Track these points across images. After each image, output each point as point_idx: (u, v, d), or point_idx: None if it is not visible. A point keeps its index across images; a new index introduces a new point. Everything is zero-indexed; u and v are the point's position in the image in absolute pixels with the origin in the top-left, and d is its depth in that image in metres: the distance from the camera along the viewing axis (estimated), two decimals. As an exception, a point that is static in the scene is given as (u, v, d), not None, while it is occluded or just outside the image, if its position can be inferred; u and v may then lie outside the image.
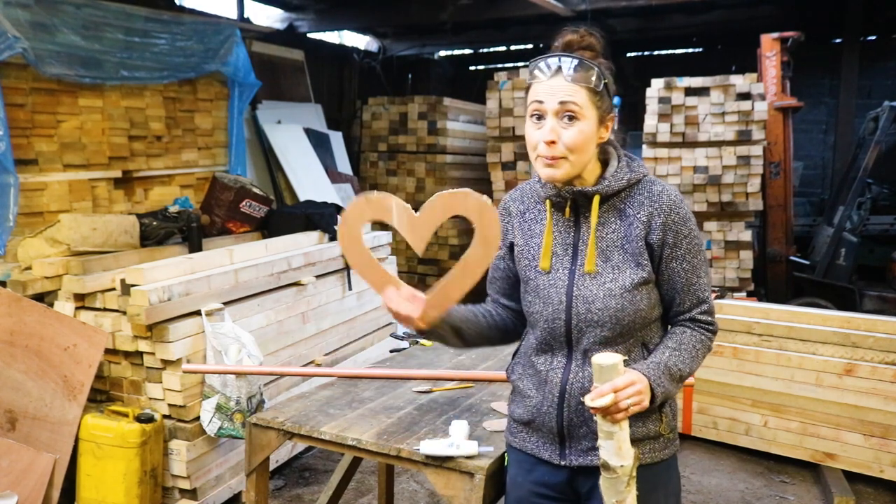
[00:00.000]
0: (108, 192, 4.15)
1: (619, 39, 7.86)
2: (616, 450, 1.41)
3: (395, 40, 8.38)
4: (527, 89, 1.55)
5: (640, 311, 1.53)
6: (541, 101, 1.47)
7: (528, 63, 1.58)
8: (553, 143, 1.46)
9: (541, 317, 1.59)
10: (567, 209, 1.57)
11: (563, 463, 1.59)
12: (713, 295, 1.57)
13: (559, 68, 1.47)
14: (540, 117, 1.49)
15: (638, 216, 1.53)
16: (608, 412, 1.38)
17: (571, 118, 1.46)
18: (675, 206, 1.53)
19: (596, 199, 1.53)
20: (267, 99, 5.87)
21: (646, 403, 1.43)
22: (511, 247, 1.70)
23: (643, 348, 1.58)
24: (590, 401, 1.38)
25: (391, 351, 2.83)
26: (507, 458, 1.76)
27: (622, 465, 1.40)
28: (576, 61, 1.46)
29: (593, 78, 1.46)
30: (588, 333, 1.54)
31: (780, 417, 3.87)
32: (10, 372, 3.03)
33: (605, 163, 1.59)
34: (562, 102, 1.45)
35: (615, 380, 1.39)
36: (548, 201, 1.60)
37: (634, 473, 1.41)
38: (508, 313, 1.76)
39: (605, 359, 1.40)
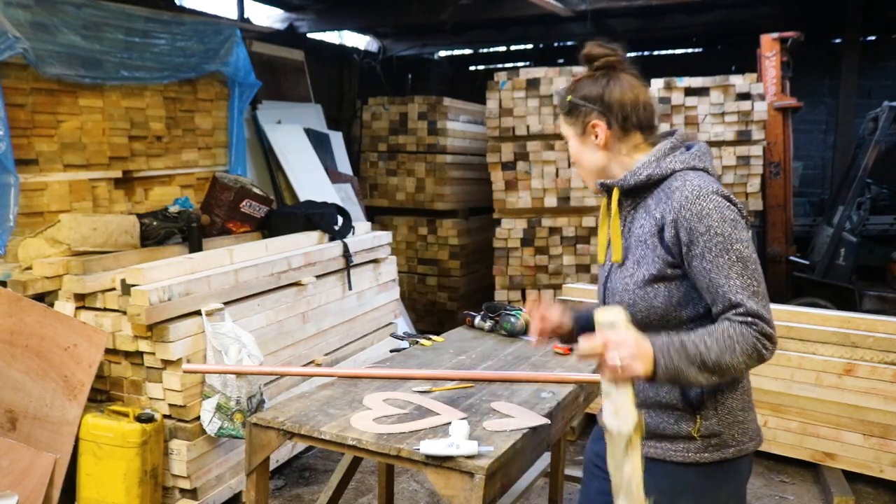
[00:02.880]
0: (109, 192, 4.15)
1: (619, 39, 7.85)
2: (613, 411, 1.39)
3: (395, 40, 8.37)
4: None
5: (654, 308, 1.54)
6: None
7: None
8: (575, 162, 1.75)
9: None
10: (603, 203, 1.70)
11: None
12: (757, 298, 1.45)
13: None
14: None
15: (653, 212, 1.57)
16: (601, 366, 1.40)
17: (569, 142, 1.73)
18: (685, 203, 1.49)
19: (615, 192, 1.63)
20: (267, 99, 5.87)
21: (638, 369, 1.40)
22: None
23: None
24: (576, 348, 1.43)
25: (391, 351, 2.83)
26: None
27: (619, 428, 1.38)
28: (557, 98, 1.76)
29: (560, 103, 1.72)
30: None
31: (780, 417, 3.88)
32: (10, 372, 3.03)
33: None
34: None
35: (607, 333, 1.41)
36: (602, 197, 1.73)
37: (637, 442, 1.38)
38: None
39: (605, 314, 1.43)
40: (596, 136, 1.63)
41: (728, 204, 1.49)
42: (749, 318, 1.44)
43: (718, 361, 1.42)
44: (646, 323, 1.55)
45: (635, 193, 1.62)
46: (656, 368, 1.42)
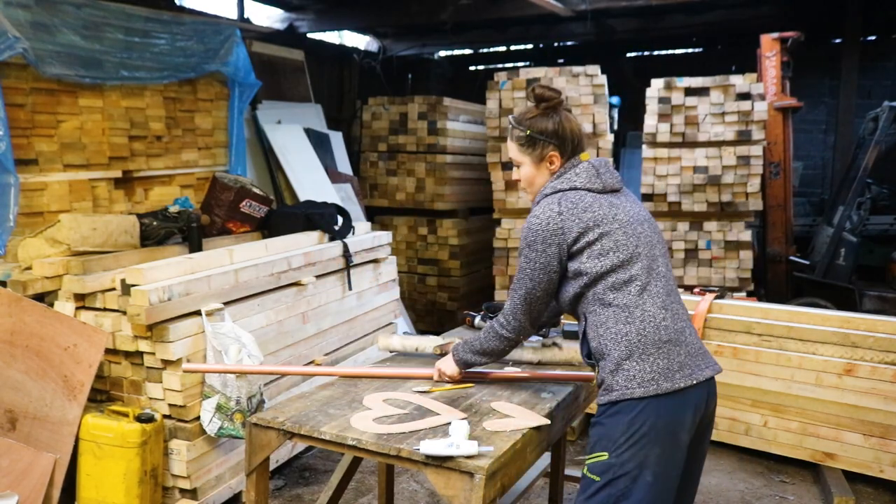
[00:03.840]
0: (109, 192, 4.15)
1: (619, 39, 7.86)
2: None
3: (395, 40, 8.37)
4: None
5: (562, 301, 2.14)
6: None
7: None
8: (518, 180, 2.21)
9: None
10: None
11: None
12: (516, 298, 2.13)
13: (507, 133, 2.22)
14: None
15: None
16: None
17: (517, 166, 2.18)
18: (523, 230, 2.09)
19: None
20: (267, 99, 5.87)
21: (447, 369, 2.33)
22: None
23: (583, 321, 2.07)
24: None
25: (391, 351, 2.83)
26: None
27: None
28: (508, 123, 2.19)
29: (517, 133, 2.12)
30: None
31: (780, 417, 3.88)
32: (10, 372, 3.03)
33: None
34: (510, 158, 2.20)
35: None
36: None
37: None
38: None
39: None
40: (551, 164, 2.10)
41: (529, 230, 2.06)
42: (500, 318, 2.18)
43: (483, 347, 2.24)
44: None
45: None
46: (456, 362, 2.31)
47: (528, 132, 2.09)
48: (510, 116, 2.16)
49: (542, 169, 2.11)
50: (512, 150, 2.15)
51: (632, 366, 1.90)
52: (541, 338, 2.69)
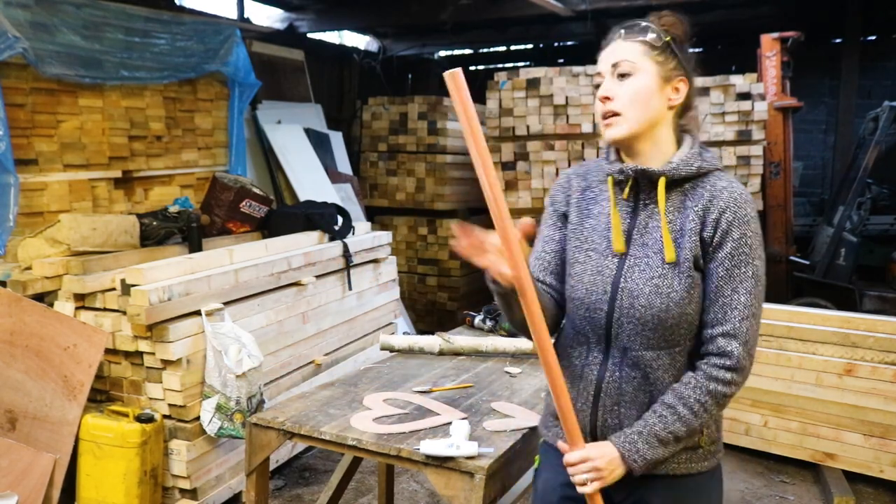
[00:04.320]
0: (108, 192, 4.15)
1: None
2: None
3: (395, 40, 8.37)
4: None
5: (686, 315, 1.42)
6: (598, 70, 1.49)
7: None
8: (608, 98, 1.45)
9: (582, 304, 1.50)
10: (627, 190, 1.49)
11: None
12: (750, 323, 1.40)
13: (619, 33, 1.49)
14: (598, 85, 1.48)
15: (695, 209, 1.44)
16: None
17: (624, 75, 1.45)
18: (733, 203, 1.42)
19: (662, 182, 1.45)
20: (267, 99, 5.87)
21: (612, 477, 1.41)
22: (565, 218, 1.59)
23: (689, 361, 1.47)
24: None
25: (391, 351, 2.83)
26: (537, 460, 1.68)
27: None
28: (631, 22, 1.48)
29: (650, 35, 1.46)
30: (628, 330, 1.44)
31: (780, 417, 3.87)
32: (10, 372, 3.03)
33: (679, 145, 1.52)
34: (614, 64, 1.46)
35: (567, 455, 1.43)
36: (610, 178, 1.51)
37: None
38: (550, 296, 1.59)
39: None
40: (676, 92, 1.48)
41: (758, 218, 1.47)
42: (729, 349, 1.40)
43: (691, 427, 1.42)
44: (676, 333, 1.43)
45: (674, 186, 1.47)
46: (633, 469, 1.42)
47: (668, 39, 1.49)
48: (644, 21, 1.51)
49: (662, 93, 1.46)
50: (627, 52, 1.46)
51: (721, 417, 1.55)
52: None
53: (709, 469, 1.51)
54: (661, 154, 1.48)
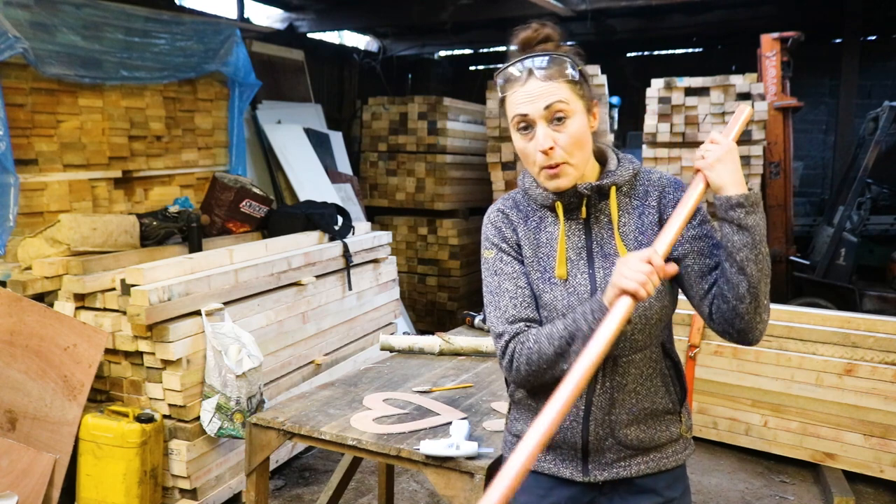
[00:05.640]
0: (108, 192, 4.15)
1: (619, 39, 7.86)
2: None
3: (395, 40, 8.37)
4: (501, 102, 1.45)
5: (665, 307, 1.44)
6: (524, 113, 1.38)
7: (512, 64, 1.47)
8: (551, 149, 1.37)
9: None
10: (584, 208, 1.46)
11: (586, 479, 1.48)
12: None
13: (530, 71, 1.37)
14: (527, 127, 1.39)
15: (647, 203, 1.47)
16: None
17: (561, 119, 1.37)
18: (671, 182, 1.50)
19: (613, 191, 1.45)
20: (267, 99, 5.88)
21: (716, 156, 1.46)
22: (520, 251, 1.53)
23: (666, 356, 1.49)
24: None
25: (391, 351, 2.83)
26: None
27: None
28: (545, 57, 1.37)
29: (567, 69, 1.37)
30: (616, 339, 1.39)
31: (780, 417, 3.87)
32: (10, 372, 3.03)
33: (599, 159, 1.51)
34: (547, 107, 1.36)
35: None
36: (558, 204, 1.47)
37: None
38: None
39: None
40: (595, 118, 1.44)
41: None
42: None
43: (763, 238, 1.41)
44: (657, 327, 1.43)
45: (618, 193, 1.48)
46: (749, 193, 1.38)
47: (580, 68, 1.41)
48: (554, 53, 1.40)
49: (590, 125, 1.43)
50: (558, 92, 1.36)
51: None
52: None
53: (689, 457, 1.58)
54: (591, 170, 1.48)
